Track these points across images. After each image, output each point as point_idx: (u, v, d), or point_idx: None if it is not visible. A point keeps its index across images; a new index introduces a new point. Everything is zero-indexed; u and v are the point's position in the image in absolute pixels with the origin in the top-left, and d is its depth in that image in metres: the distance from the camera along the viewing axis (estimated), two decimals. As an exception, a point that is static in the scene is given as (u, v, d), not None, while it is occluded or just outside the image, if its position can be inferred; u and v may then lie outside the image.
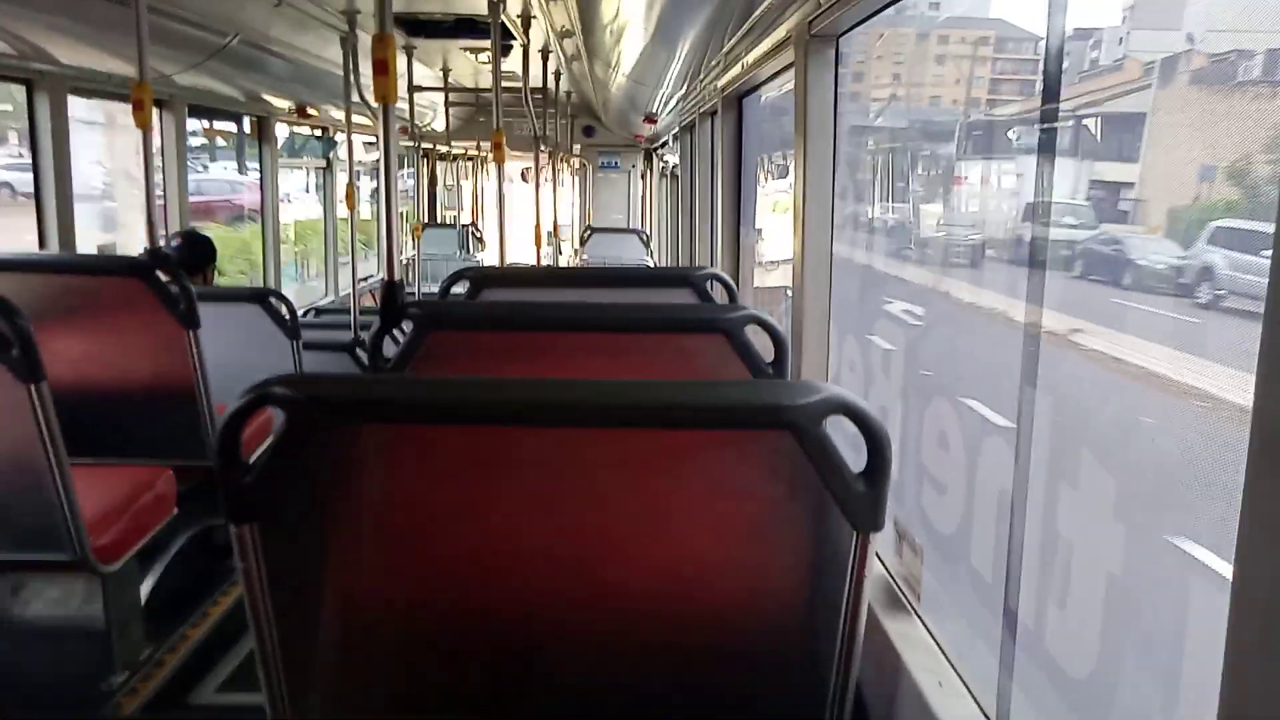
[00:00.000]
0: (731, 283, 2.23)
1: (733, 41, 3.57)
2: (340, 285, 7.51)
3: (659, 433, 1.09)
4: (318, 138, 7.57)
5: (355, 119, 4.99)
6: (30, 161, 3.63)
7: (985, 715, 1.63)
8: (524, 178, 12.19)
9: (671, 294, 2.14)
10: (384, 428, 1.12)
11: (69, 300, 2.69)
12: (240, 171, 7.47)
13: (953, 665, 1.76)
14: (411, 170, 9.57)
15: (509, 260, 4.38)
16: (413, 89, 6.73)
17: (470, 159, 13.44)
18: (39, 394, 2.06)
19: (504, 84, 3.81)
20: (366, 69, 4.63)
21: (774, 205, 5.17)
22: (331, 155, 7.63)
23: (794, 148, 2.74)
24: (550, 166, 9.28)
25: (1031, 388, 1.69)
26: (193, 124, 5.21)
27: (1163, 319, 1.84)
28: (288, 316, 3.54)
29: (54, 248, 3.62)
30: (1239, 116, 1.49)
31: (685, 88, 5.25)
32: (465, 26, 5.12)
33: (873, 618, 1.91)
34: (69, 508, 2.20)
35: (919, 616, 1.93)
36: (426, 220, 10.02)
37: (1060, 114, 1.70)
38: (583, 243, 9.71)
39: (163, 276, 2.68)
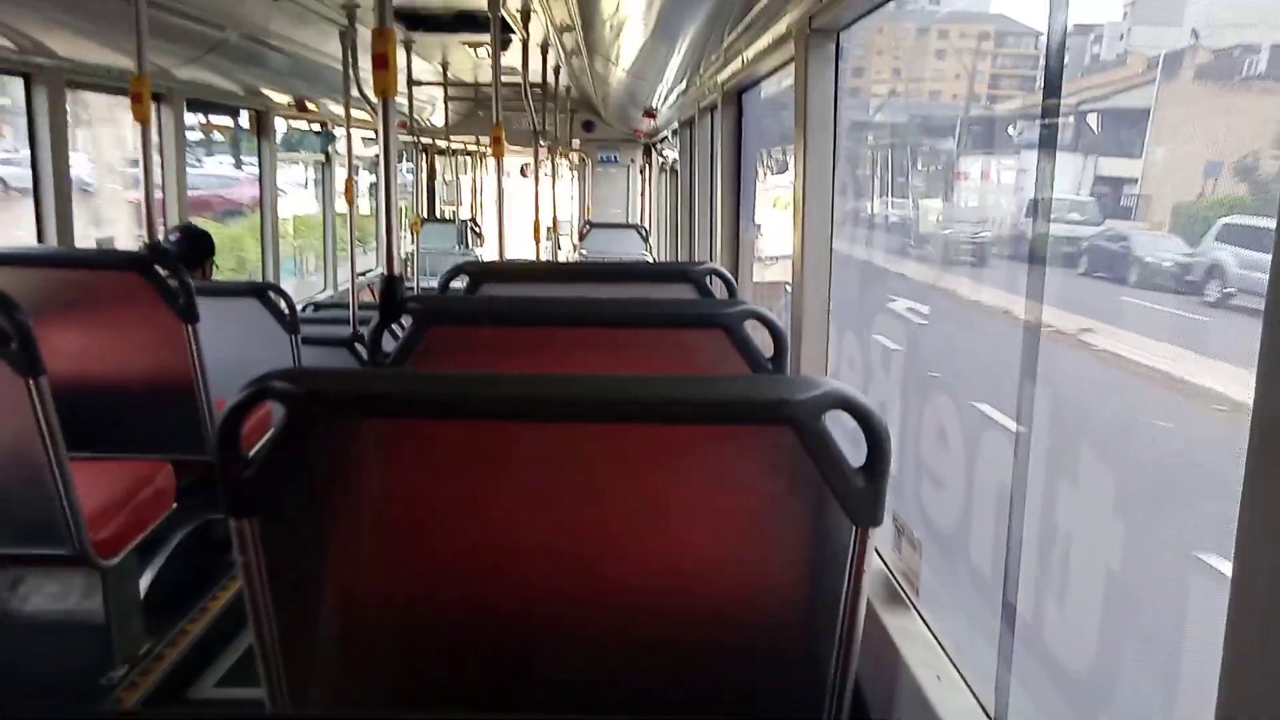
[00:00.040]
0: (731, 278, 2.22)
1: (733, 36, 3.57)
2: (338, 280, 7.50)
3: (658, 428, 1.09)
4: (316, 133, 7.55)
5: (354, 114, 4.98)
6: (20, 155, 3.61)
7: (984, 709, 1.63)
8: (523, 173, 12.18)
9: (671, 289, 2.13)
10: (384, 422, 1.12)
11: (68, 295, 2.69)
12: (236, 166, 7.45)
13: (951, 660, 1.76)
14: (410, 165, 9.56)
15: (508, 255, 4.37)
16: (412, 83, 6.72)
17: (469, 154, 13.43)
18: (38, 388, 2.06)
19: (503, 79, 3.81)
20: (365, 63, 4.62)
21: (775, 201, 5.17)
22: (330, 150, 7.62)
23: (794, 143, 2.73)
24: (549, 161, 9.27)
25: (1031, 382, 1.69)
26: (189, 119, 5.19)
27: (1174, 318, 1.82)
28: (286, 311, 3.54)
29: (52, 242, 3.62)
30: (1242, 112, 1.48)
31: (685, 83, 5.24)
32: (464, 21, 5.12)
33: (872, 612, 1.91)
34: (68, 502, 2.20)
35: (918, 611, 1.93)
36: (425, 215, 10.02)
37: (1062, 109, 1.69)
38: (582, 238, 9.71)
39: (161, 271, 2.68)
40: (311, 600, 1.19)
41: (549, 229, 8.03)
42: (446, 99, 7.77)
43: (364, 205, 8.82)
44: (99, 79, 3.90)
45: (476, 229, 10.51)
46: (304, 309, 5.29)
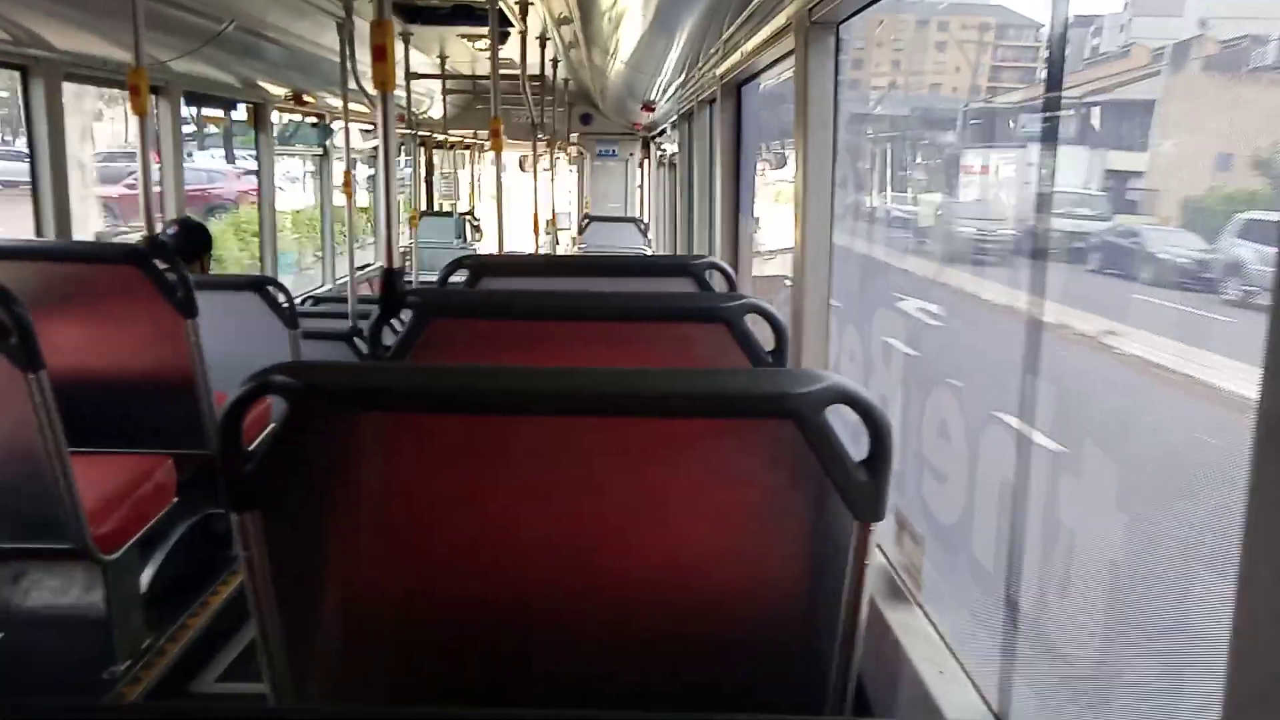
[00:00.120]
0: (731, 271, 2.22)
1: (732, 29, 3.56)
2: (336, 274, 7.48)
3: (659, 421, 1.09)
4: (313, 125, 7.53)
5: (352, 106, 4.96)
6: (16, 149, 3.59)
7: (986, 703, 1.63)
8: (522, 166, 12.16)
9: (670, 283, 2.13)
10: (385, 416, 1.12)
11: (66, 288, 2.68)
12: (229, 160, 7.40)
13: (954, 654, 1.76)
14: (408, 158, 9.54)
15: (507, 248, 4.36)
16: (410, 76, 6.70)
17: (467, 147, 13.40)
18: (38, 382, 2.05)
19: (501, 71, 3.80)
20: (363, 56, 4.61)
21: (776, 195, 5.16)
22: (327, 143, 7.60)
23: (794, 136, 2.73)
24: (548, 155, 9.25)
25: (1033, 376, 1.69)
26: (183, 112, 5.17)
27: (1198, 319, 1.74)
28: (285, 305, 3.53)
29: (50, 235, 3.60)
30: (1250, 104, 1.46)
31: (684, 75, 5.23)
32: (463, 13, 5.10)
33: (874, 607, 1.91)
34: (69, 496, 2.19)
35: (920, 606, 1.93)
36: (424, 209, 9.99)
37: (1070, 101, 1.67)
38: (581, 231, 9.69)
39: (159, 265, 2.67)
40: (313, 594, 1.19)
41: (548, 223, 8.02)
42: (445, 92, 7.75)
43: (361, 199, 8.79)
44: (96, 71, 3.88)
45: (475, 223, 10.48)
46: (302, 303, 5.28)
